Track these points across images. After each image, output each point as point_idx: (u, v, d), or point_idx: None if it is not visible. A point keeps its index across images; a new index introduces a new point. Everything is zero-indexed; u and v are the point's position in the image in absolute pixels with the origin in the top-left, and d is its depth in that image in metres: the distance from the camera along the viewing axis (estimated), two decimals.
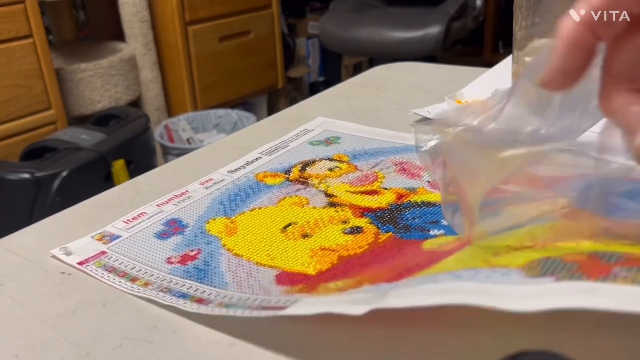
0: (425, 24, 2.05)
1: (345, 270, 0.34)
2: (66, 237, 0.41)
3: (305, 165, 0.49)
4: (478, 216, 0.31)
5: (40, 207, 1.30)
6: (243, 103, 2.33)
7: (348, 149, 0.52)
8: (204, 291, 0.33)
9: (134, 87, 1.90)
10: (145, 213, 0.42)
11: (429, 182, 0.45)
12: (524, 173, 0.43)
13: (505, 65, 0.66)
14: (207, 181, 0.47)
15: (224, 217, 0.41)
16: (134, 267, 0.36)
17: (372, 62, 2.58)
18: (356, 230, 0.38)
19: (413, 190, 0.43)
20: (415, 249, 0.35)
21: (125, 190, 0.49)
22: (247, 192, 0.44)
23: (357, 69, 2.71)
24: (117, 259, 0.37)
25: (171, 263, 0.36)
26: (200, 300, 0.32)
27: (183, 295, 0.32)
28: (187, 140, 1.95)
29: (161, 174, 0.51)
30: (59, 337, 0.31)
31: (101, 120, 1.63)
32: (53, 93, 1.61)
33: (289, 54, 2.53)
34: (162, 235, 0.39)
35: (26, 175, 1.30)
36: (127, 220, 0.41)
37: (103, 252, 0.38)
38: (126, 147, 1.49)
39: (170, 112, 2.08)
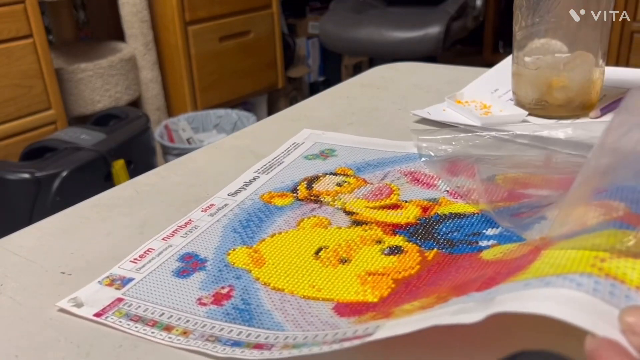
0: (425, 24, 2.05)
1: (410, 291, 0.31)
2: (66, 237, 0.41)
3: (310, 181, 0.47)
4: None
5: (40, 207, 1.30)
6: (243, 103, 2.33)
7: (349, 162, 0.50)
8: (259, 335, 0.30)
9: (134, 87, 1.89)
10: (153, 249, 0.39)
11: (447, 191, 0.44)
12: (538, 176, 0.43)
13: (505, 65, 0.66)
14: (209, 207, 0.44)
15: (245, 247, 0.38)
16: (163, 314, 0.32)
17: (372, 62, 2.58)
18: (396, 250, 0.36)
19: (435, 201, 0.42)
20: (477, 261, 0.33)
21: (125, 190, 0.49)
22: (259, 217, 0.42)
23: (357, 69, 2.71)
24: (140, 306, 0.33)
25: (204, 304, 0.33)
26: (259, 346, 0.29)
27: (237, 344, 0.29)
28: (187, 140, 1.95)
29: (161, 174, 0.51)
30: (59, 337, 0.31)
31: (101, 120, 1.62)
32: (53, 93, 1.61)
33: (289, 54, 2.53)
34: (181, 273, 0.36)
35: (26, 175, 1.30)
36: (135, 259, 0.38)
37: (120, 299, 0.34)
38: (126, 147, 1.49)
39: (170, 112, 2.08)
